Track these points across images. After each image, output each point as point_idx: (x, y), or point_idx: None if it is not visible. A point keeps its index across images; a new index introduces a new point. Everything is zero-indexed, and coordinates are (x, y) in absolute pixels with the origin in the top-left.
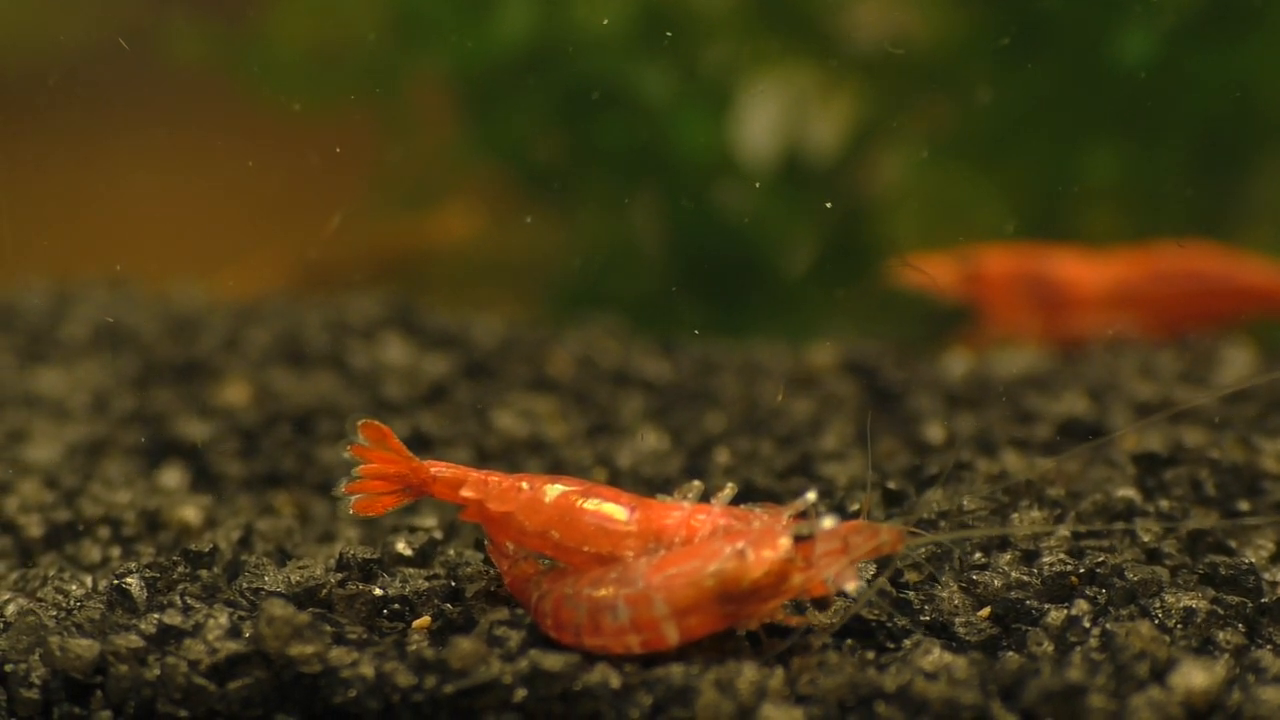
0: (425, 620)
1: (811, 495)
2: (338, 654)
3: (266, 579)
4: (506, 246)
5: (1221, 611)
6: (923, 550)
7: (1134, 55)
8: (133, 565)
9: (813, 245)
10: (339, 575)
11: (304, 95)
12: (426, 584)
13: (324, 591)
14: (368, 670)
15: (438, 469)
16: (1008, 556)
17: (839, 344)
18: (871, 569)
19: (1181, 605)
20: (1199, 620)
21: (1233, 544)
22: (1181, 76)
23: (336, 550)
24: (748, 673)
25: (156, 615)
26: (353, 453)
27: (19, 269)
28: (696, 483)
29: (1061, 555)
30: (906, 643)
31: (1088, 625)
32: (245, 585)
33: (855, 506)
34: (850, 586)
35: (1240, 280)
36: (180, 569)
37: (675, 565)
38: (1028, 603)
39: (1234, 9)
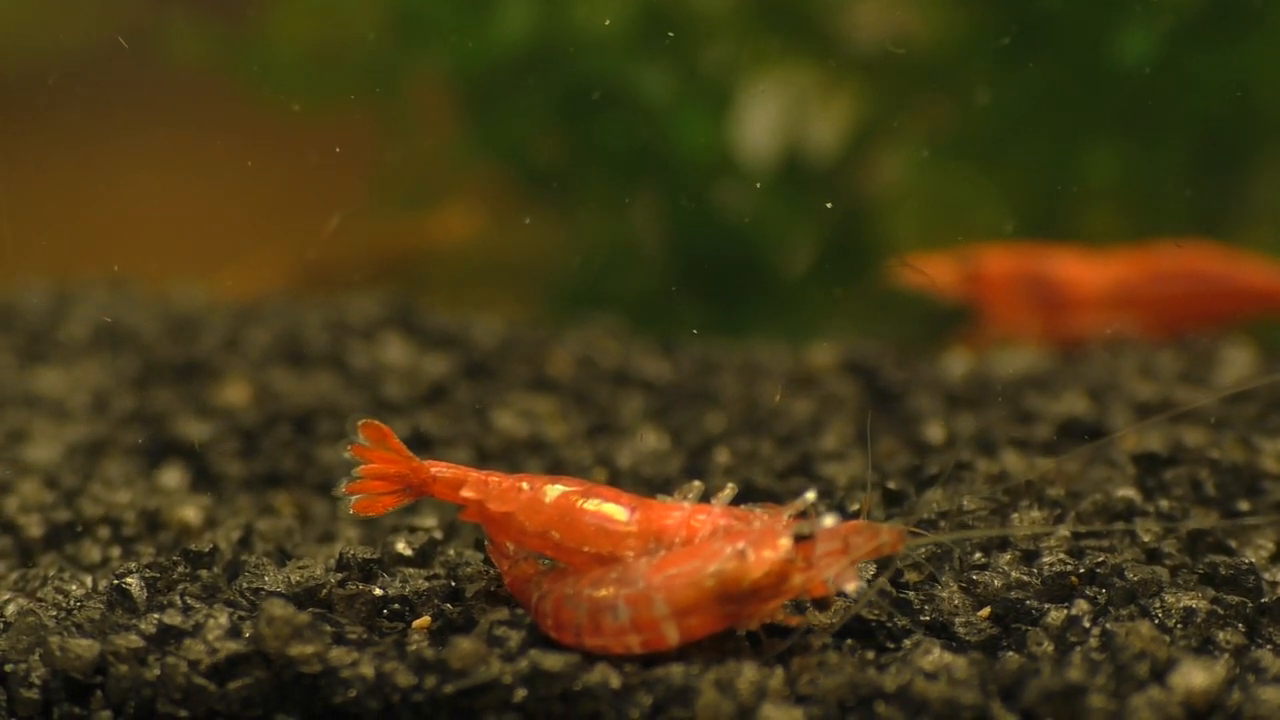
0: (425, 620)
1: (811, 495)
2: (338, 654)
3: (266, 579)
4: (506, 246)
5: (1221, 611)
6: (923, 550)
7: (1134, 55)
8: (133, 565)
9: (813, 245)
10: (339, 575)
11: (304, 95)
12: (426, 584)
13: (324, 591)
14: (368, 670)
15: (438, 469)
16: (1008, 556)
17: (839, 344)
18: (872, 569)
19: (1181, 605)
20: (1199, 620)
21: (1233, 544)
22: (1181, 76)
23: (336, 550)
24: (748, 673)
25: (156, 615)
26: (353, 453)
27: (19, 269)
28: (697, 483)
29: (1061, 555)
30: (906, 643)
31: (1088, 625)
32: (245, 585)
33: (855, 506)
34: (850, 587)
35: (1240, 280)
36: (180, 569)
37: (675, 565)
38: (1028, 603)
39: (1234, 9)
